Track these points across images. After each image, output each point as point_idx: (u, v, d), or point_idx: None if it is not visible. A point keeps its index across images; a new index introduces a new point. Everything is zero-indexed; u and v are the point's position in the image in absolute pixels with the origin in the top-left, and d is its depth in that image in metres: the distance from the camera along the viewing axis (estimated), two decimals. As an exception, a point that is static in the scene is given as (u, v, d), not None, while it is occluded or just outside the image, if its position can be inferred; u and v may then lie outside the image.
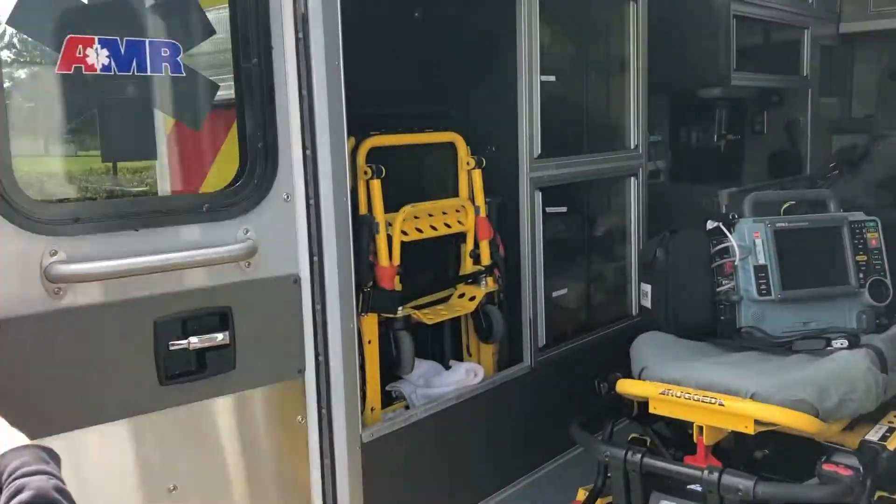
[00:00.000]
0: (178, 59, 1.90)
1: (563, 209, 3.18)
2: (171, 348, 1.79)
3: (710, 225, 2.53)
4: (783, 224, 2.41)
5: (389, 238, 2.54)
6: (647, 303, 2.53)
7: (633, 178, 3.47)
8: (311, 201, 2.08)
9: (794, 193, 2.75)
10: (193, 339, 1.82)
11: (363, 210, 2.52)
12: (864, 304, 2.44)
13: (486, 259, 2.86)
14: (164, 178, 2.18)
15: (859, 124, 5.21)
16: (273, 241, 1.97)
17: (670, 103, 4.29)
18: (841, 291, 2.42)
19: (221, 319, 1.87)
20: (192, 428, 1.89)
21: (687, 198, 4.07)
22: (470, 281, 2.86)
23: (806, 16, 4.65)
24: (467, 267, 2.86)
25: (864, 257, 2.44)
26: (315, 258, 2.08)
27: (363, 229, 2.47)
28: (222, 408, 1.94)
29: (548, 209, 3.08)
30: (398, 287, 2.57)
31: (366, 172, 2.49)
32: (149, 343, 1.77)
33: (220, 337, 1.86)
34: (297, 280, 2.04)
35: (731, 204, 3.94)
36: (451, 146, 2.86)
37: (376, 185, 2.50)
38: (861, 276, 2.43)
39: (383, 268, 2.51)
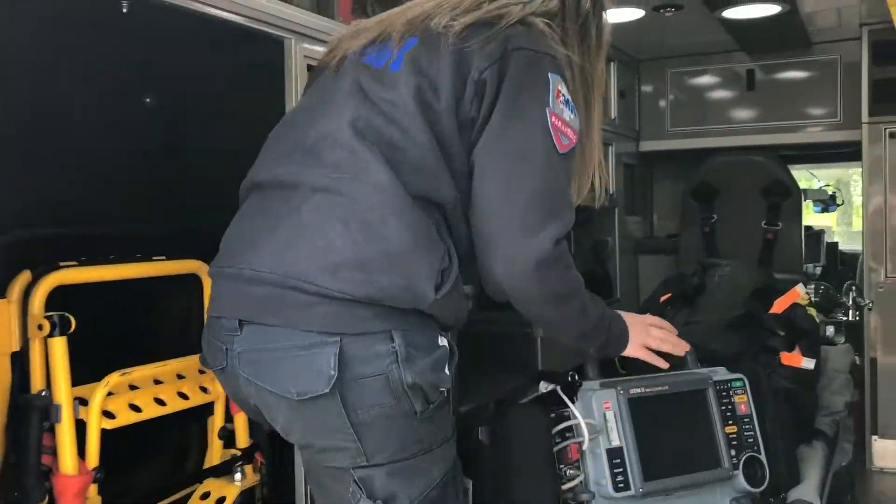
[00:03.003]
0: None
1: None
2: None
3: (545, 387, 1.90)
4: (638, 390, 1.82)
5: (82, 426, 1.65)
6: None
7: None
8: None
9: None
10: None
11: (38, 385, 1.63)
12: (739, 489, 1.88)
13: (242, 439, 2.03)
14: None
15: (663, 244, 5.05)
16: None
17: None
18: (712, 477, 1.85)
19: None
20: None
21: (499, 327, 3.53)
22: (220, 473, 2.00)
23: (610, 132, 4.44)
24: (214, 453, 2.01)
25: (735, 428, 1.91)
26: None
27: (30, 418, 1.57)
28: None
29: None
30: (95, 502, 1.67)
31: (41, 327, 1.61)
32: None
33: None
34: None
35: (549, 338, 3.42)
36: (194, 279, 2.06)
37: (59, 344, 1.62)
38: (733, 453, 1.89)
39: (66, 477, 1.60)
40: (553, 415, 1.80)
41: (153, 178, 2.08)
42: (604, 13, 1.64)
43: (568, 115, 1.45)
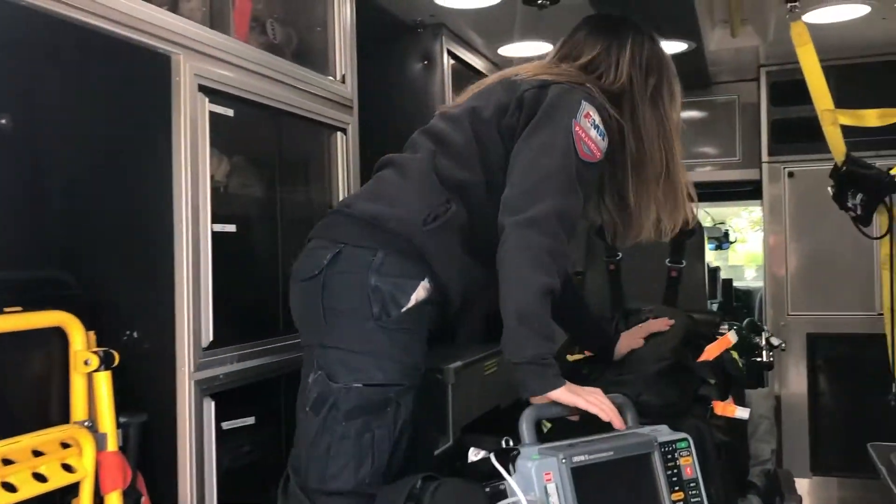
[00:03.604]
0: None
1: (250, 420, 2.14)
2: None
3: (475, 455, 1.67)
4: (582, 458, 1.62)
5: None
6: None
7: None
8: None
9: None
10: None
11: None
12: (686, 561, 1.72)
13: (115, 527, 1.69)
14: None
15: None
16: None
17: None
18: (658, 550, 1.68)
19: None
20: None
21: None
22: (84, 569, 1.67)
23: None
24: (79, 546, 1.67)
25: (681, 495, 1.74)
26: None
27: None
28: None
29: (225, 424, 2.02)
30: None
31: None
32: None
33: None
34: None
35: (459, 382, 3.21)
36: (58, 334, 1.72)
37: None
38: (680, 522, 1.72)
39: None
40: (488, 489, 1.58)
41: (6, 214, 1.73)
42: (674, 82, 1.99)
43: (594, 134, 1.75)
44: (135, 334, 1.88)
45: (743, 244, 9.85)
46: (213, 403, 1.94)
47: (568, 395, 1.69)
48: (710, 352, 2.25)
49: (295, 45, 2.54)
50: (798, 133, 3.95)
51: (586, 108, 1.74)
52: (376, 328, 1.70)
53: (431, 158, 1.80)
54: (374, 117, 3.02)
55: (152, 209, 1.89)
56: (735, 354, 2.51)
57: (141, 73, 1.89)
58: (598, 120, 1.76)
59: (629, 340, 2.34)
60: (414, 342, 1.76)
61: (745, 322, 3.90)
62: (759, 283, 6.43)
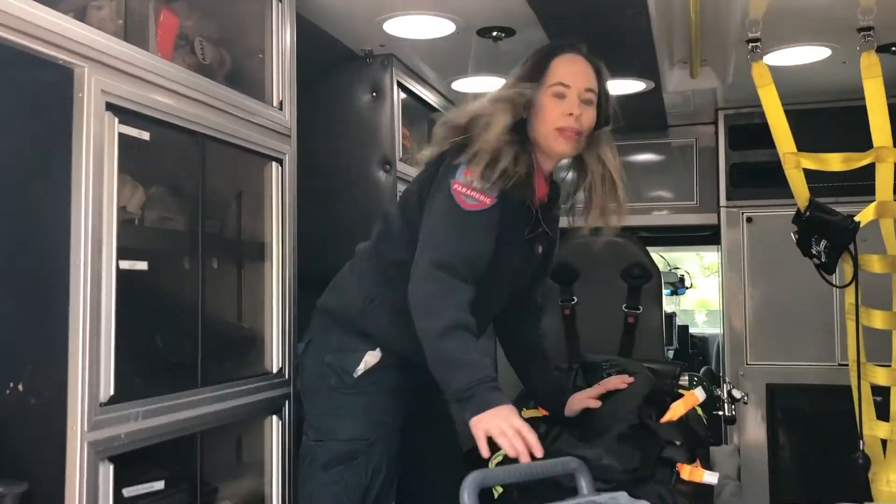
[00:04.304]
0: None
1: (159, 485, 1.87)
2: None
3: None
4: (533, 536, 1.41)
5: None
6: None
7: (275, 418, 2.30)
8: None
9: (536, 467, 1.77)
10: None
11: None
12: None
13: None
14: None
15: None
16: None
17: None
18: None
19: None
20: None
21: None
22: None
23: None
24: None
25: (644, 574, 1.53)
26: None
27: None
28: None
29: (127, 491, 1.76)
30: None
31: None
32: None
33: None
34: None
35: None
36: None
37: None
38: None
39: None
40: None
41: None
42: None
43: (478, 184, 1.86)
44: (20, 387, 1.62)
45: (694, 290, 9.84)
46: (111, 468, 1.67)
47: (475, 420, 1.70)
48: (676, 411, 2.06)
49: (228, 68, 2.34)
50: (757, 178, 3.86)
51: (465, 165, 1.88)
52: (337, 395, 2.01)
53: (375, 246, 2.07)
54: (317, 149, 2.83)
55: (47, 242, 1.65)
56: (700, 411, 2.33)
57: (40, 88, 1.67)
58: (478, 170, 1.86)
59: (583, 399, 2.16)
60: (375, 402, 2.00)
61: (702, 371, 3.73)
62: (713, 330, 6.34)
